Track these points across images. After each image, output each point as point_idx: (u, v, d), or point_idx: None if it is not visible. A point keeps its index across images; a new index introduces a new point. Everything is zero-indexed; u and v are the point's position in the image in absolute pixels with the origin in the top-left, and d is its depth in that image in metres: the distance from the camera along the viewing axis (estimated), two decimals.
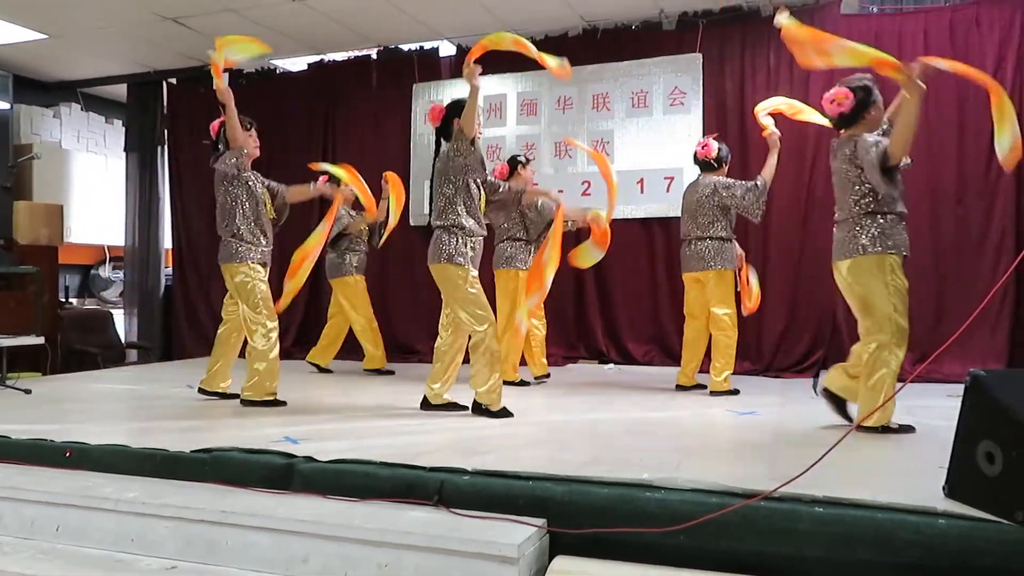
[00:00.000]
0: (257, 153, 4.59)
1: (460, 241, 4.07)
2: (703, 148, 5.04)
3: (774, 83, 6.22)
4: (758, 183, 4.83)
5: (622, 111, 6.63)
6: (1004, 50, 5.61)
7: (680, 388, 5.15)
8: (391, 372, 6.12)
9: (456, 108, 4.18)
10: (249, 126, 4.54)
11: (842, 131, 3.72)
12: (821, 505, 2.35)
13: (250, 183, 4.51)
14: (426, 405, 4.23)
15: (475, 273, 4.12)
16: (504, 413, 4.05)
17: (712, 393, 4.88)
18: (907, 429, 3.56)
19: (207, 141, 4.60)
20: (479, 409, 4.07)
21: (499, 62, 6.97)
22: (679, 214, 6.17)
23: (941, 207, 5.68)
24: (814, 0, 6.09)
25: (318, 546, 2.52)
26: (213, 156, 4.52)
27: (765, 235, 6.09)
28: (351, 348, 6.36)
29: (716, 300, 4.91)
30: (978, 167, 5.63)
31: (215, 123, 4.55)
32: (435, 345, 4.27)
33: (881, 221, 3.54)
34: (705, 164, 5.05)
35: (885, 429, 3.50)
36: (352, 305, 6.10)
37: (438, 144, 4.26)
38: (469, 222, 4.10)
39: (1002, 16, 5.63)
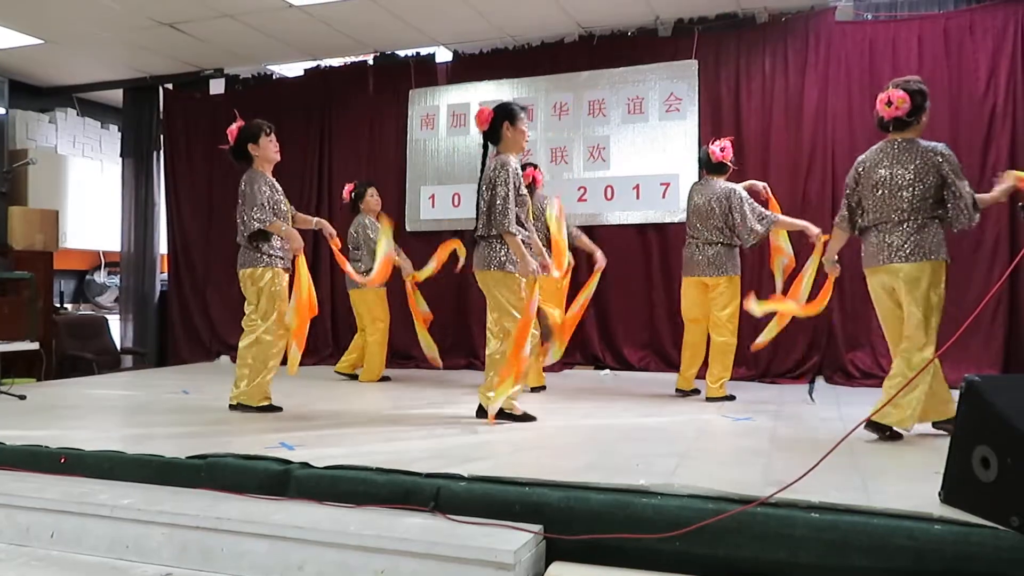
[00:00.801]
0: (278, 158, 4.56)
1: (512, 249, 4.01)
2: (723, 151, 4.94)
3: (769, 90, 6.25)
4: (770, 219, 4.79)
5: (618, 117, 6.64)
6: (997, 57, 5.64)
7: (680, 392, 5.11)
8: (387, 379, 6.11)
9: (505, 112, 4.12)
10: (269, 131, 4.50)
11: (890, 133, 3.68)
12: (817, 511, 2.35)
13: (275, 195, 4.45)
14: (482, 414, 4.09)
15: (524, 281, 4.08)
16: (527, 417, 4.05)
17: (708, 399, 4.87)
18: (895, 436, 3.55)
19: (224, 146, 4.55)
20: (501, 414, 4.01)
21: (496, 67, 7.03)
22: (675, 220, 6.26)
23: None
24: (809, 8, 6.13)
25: (314, 553, 2.51)
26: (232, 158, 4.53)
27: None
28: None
29: (722, 305, 4.84)
30: (971, 175, 5.60)
31: (233, 128, 4.50)
32: (487, 352, 4.17)
33: (939, 227, 3.57)
34: (720, 167, 4.96)
35: (892, 434, 3.50)
36: (375, 316, 6.02)
37: (485, 149, 4.18)
38: (519, 231, 4.04)
39: (995, 24, 5.66)
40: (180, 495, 2.92)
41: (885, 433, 3.49)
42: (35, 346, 5.77)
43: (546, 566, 2.43)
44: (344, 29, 6.62)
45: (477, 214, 4.12)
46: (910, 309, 3.54)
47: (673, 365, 5.48)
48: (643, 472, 2.81)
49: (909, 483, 2.69)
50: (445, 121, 7.17)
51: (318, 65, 7.59)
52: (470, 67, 7.14)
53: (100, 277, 8.71)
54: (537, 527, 2.50)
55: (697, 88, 6.41)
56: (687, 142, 6.36)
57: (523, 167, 5.41)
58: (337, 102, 7.54)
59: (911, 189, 3.57)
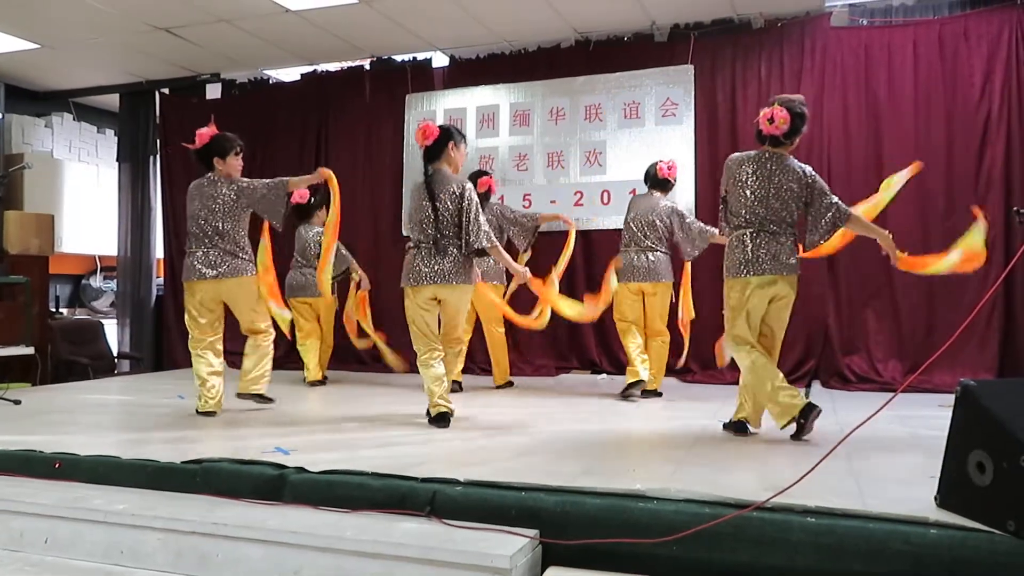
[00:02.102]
0: (238, 176, 4.55)
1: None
2: (669, 169, 5.27)
3: (765, 94, 6.24)
4: (711, 232, 4.96)
5: (614, 122, 6.65)
6: (992, 63, 5.66)
7: (654, 394, 5.23)
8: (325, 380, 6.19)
9: (450, 133, 4.19)
10: (240, 150, 4.49)
11: (763, 146, 3.70)
12: (813, 515, 2.36)
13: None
14: None
15: None
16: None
17: (644, 393, 5.14)
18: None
19: (189, 145, 4.48)
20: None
21: (492, 72, 7.04)
22: None
23: (930, 221, 5.70)
24: (804, 13, 6.15)
25: (310, 558, 2.51)
26: (197, 161, 4.49)
27: None
28: (344, 357, 6.36)
29: (661, 311, 5.16)
30: (966, 181, 5.68)
31: (204, 131, 4.45)
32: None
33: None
34: (664, 183, 5.28)
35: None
36: (327, 322, 6.23)
37: (427, 163, 4.19)
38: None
39: (990, 29, 5.68)
40: (175, 500, 2.91)
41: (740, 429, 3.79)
42: (30, 351, 5.76)
43: (542, 571, 2.42)
44: (341, 34, 6.62)
45: (447, 225, 4.08)
46: (783, 322, 3.77)
47: (669, 370, 5.50)
48: (639, 477, 2.80)
49: (905, 487, 2.69)
50: None
51: (315, 70, 7.60)
52: (467, 72, 7.15)
53: (96, 282, 8.70)
54: (533, 532, 2.50)
55: (693, 93, 6.43)
56: (683, 147, 6.37)
57: (479, 175, 5.65)
58: (334, 107, 7.54)
59: (788, 200, 3.63)
